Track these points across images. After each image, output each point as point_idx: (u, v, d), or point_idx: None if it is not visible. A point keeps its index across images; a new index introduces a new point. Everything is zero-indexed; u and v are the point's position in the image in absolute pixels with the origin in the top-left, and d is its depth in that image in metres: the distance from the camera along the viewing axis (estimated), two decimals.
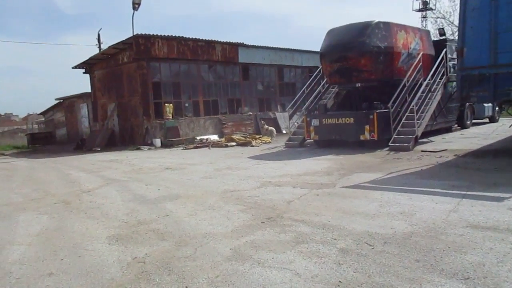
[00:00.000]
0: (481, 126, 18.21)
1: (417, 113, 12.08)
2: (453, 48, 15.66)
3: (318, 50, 24.99)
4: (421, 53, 13.85)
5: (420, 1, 40.18)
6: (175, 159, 13.07)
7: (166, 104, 18.46)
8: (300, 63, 24.26)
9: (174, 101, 19.10)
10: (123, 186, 8.61)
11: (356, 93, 14.36)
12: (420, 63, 13.53)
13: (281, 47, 23.05)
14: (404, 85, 12.83)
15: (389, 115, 12.40)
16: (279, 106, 23.59)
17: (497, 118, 20.22)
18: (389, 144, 11.99)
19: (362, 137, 12.31)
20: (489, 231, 4.41)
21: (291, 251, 4.22)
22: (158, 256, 4.30)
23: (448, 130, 16.07)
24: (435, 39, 16.65)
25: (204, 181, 8.64)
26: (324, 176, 8.41)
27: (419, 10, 40.38)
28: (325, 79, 15.81)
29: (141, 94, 18.36)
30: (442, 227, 4.66)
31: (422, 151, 11.29)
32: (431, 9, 40.00)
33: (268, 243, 4.51)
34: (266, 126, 19.08)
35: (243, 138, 17.17)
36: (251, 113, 21.72)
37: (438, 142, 13.17)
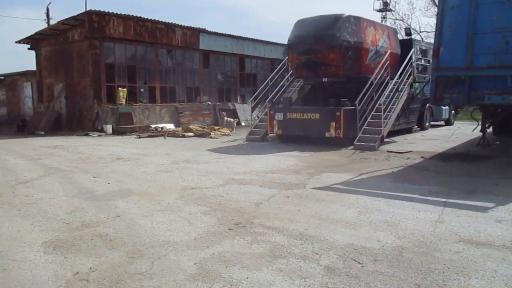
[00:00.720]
0: (439, 128, 18.42)
1: (384, 112, 11.79)
2: (418, 48, 15.68)
3: (281, 42, 24.55)
4: (388, 51, 13.60)
5: (381, 1, 40.67)
6: (128, 149, 12.05)
7: (119, 88, 17.21)
8: (263, 54, 23.61)
9: (129, 85, 17.87)
10: (67, 178, 7.60)
11: (322, 89, 13.93)
12: (388, 61, 13.28)
13: (243, 36, 22.29)
14: (371, 83, 12.50)
15: (356, 113, 12.04)
16: (239, 97, 22.86)
17: (452, 121, 20.60)
18: (355, 142, 11.63)
19: (327, 134, 11.88)
20: (485, 248, 3.98)
21: (268, 268, 3.57)
22: (106, 271, 3.51)
23: (409, 131, 16.05)
24: (401, 38, 16.51)
25: (160, 176, 7.81)
26: (292, 175, 7.84)
27: (380, 11, 40.88)
28: (290, 72, 15.28)
29: (93, 75, 16.99)
30: (433, 241, 4.18)
31: (388, 151, 11.02)
32: (391, 10, 40.63)
33: (239, 256, 3.83)
34: (226, 118, 18.31)
35: (201, 129, 16.32)
36: (210, 103, 20.84)
37: (401, 142, 13.01)
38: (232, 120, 18.40)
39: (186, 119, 19.30)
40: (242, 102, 22.98)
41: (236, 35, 21.91)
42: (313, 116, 12.14)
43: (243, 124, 21.18)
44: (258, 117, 23.10)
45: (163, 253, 3.90)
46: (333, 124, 11.72)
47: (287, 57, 16.46)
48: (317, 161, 9.49)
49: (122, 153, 11.01)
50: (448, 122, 20.26)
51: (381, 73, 12.95)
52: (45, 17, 28.94)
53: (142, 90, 18.68)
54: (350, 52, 12.39)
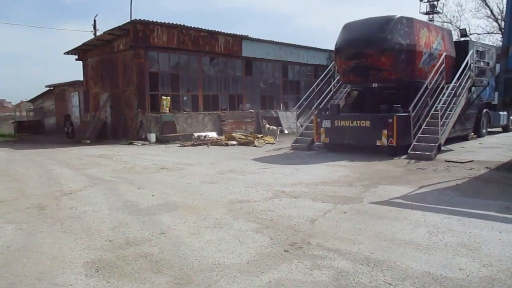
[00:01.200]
0: (496, 135, 17.15)
1: (441, 119, 10.96)
2: (475, 50, 14.66)
3: (324, 48, 23.96)
4: (444, 54, 12.72)
5: (427, 3, 39.10)
6: (171, 158, 11.86)
7: (163, 97, 17.22)
8: (306, 60, 23.09)
9: (172, 94, 17.86)
10: (111, 189, 7.39)
11: (370, 95, 13.22)
12: (443, 65, 12.42)
13: (286, 42, 21.88)
14: (426, 88, 11.70)
15: (410, 120, 11.27)
16: (282, 105, 22.41)
17: (511, 127, 19.19)
18: (409, 151, 10.87)
19: (378, 143, 11.18)
20: None
21: None
22: None
23: (465, 138, 14.97)
24: (456, 40, 15.50)
25: (206, 187, 7.45)
26: (345, 187, 7.26)
27: (427, 13, 39.24)
28: (337, 78, 14.68)
29: (137, 84, 17.09)
30: None
31: (446, 161, 10.19)
32: (438, 12, 38.96)
33: (300, 285, 3.35)
34: (268, 125, 17.89)
35: (244, 137, 15.98)
36: (252, 110, 20.52)
37: (459, 151, 12.07)
38: (275, 128, 17.95)
39: (228, 127, 19.05)
40: (285, 109, 22.52)
41: (279, 41, 21.54)
42: (363, 123, 11.48)
43: (286, 132, 20.69)
44: (302, 125, 22.69)
45: (213, 279, 3.48)
46: (385, 132, 11.02)
47: (333, 63, 15.91)
48: (370, 172, 8.85)
49: (166, 162, 10.81)
50: (506, 129, 18.87)
51: (436, 77, 12.12)
52: (92, 29, 29.79)
53: (185, 98, 18.63)
54: (403, 55, 11.66)
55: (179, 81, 18.15)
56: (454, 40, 14.94)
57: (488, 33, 38.39)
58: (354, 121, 11.66)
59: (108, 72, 18.94)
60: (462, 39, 15.12)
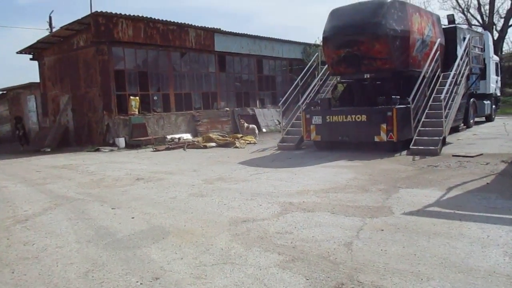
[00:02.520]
0: (483, 125, 16.66)
1: (445, 110, 10.08)
2: (462, 37, 13.96)
3: (297, 40, 22.94)
4: (437, 41, 11.88)
5: None
6: (146, 165, 10.42)
7: (131, 97, 15.63)
8: (281, 54, 21.96)
9: (141, 93, 16.28)
10: (78, 211, 5.96)
11: (360, 87, 12.24)
12: (438, 52, 11.57)
13: (260, 35, 20.68)
14: (424, 77, 10.80)
15: (410, 112, 10.33)
16: (258, 102, 21.21)
17: (493, 116, 18.79)
18: (411, 147, 9.93)
19: (377, 138, 10.18)
20: None
21: None
22: None
23: (456, 129, 14.26)
24: (444, 26, 14.75)
25: (195, 202, 6.15)
26: (362, 194, 6.15)
27: None
28: (322, 70, 13.63)
29: (101, 84, 15.44)
30: None
31: (454, 155, 9.31)
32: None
33: None
34: (247, 124, 16.64)
35: (223, 138, 14.68)
36: (228, 109, 19.21)
37: (458, 143, 11.28)
38: (254, 126, 16.74)
39: (203, 127, 17.68)
40: (261, 106, 21.34)
41: (253, 34, 20.32)
42: (358, 118, 10.44)
43: (264, 130, 19.54)
44: (279, 121, 21.56)
45: None
46: (384, 126, 10.02)
47: (316, 54, 14.87)
48: (378, 173, 7.79)
49: (141, 171, 9.38)
50: (489, 118, 18.43)
51: (432, 65, 11.24)
52: (47, 26, 27.48)
53: (155, 98, 17.08)
54: (397, 42, 10.70)
55: (148, 79, 16.59)
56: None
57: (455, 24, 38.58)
58: (349, 116, 10.60)
59: (67, 71, 17.12)
60: (450, 25, 14.34)
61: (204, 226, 4.89)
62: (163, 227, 4.92)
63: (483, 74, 15.52)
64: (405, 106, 10.21)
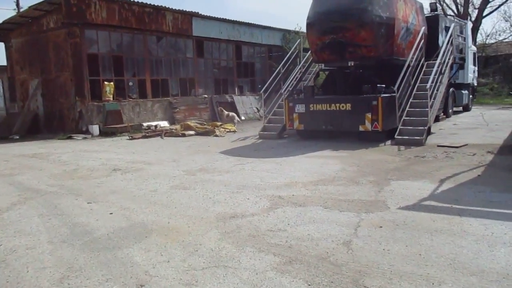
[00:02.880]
0: (461, 115, 16.79)
1: (430, 99, 9.95)
2: (444, 26, 13.91)
3: (278, 27, 22.52)
4: (422, 29, 11.73)
5: None
6: (123, 154, 9.92)
7: (105, 83, 14.93)
8: (260, 40, 21.49)
9: (115, 79, 15.58)
10: (51, 205, 5.49)
11: (342, 75, 12.02)
12: (423, 41, 11.43)
13: (239, 20, 20.15)
14: (408, 66, 10.63)
15: (395, 101, 10.17)
16: (236, 89, 20.75)
17: (470, 106, 18.97)
18: (395, 136, 9.80)
19: (361, 128, 9.99)
20: None
21: None
22: None
23: (436, 119, 14.24)
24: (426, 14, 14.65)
25: (178, 195, 5.77)
26: (353, 186, 5.92)
27: None
28: (305, 57, 13.33)
29: (73, 69, 14.67)
30: None
31: (439, 146, 9.23)
32: None
33: None
34: (227, 112, 16.22)
35: (202, 126, 14.24)
36: (206, 96, 18.69)
37: (440, 133, 11.24)
38: (234, 114, 16.35)
39: (181, 115, 17.15)
40: (240, 93, 20.91)
41: (232, 19, 19.75)
42: (343, 107, 10.21)
43: (243, 118, 19.15)
44: (258, 109, 21.21)
45: None
46: (369, 115, 9.83)
47: (298, 41, 14.53)
48: (365, 164, 7.59)
49: (117, 161, 8.89)
50: (466, 108, 18.58)
51: (417, 54, 11.09)
52: (15, 6, 26.06)
53: (130, 83, 16.41)
54: (383, 29, 10.47)
55: (123, 64, 15.87)
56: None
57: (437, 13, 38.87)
58: (333, 105, 10.36)
59: (37, 55, 16.20)
60: (432, 13, 14.23)
61: (190, 223, 4.53)
62: (145, 224, 4.54)
63: (462, 64, 15.55)
64: (390, 95, 10.04)
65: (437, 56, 12.44)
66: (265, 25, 21.58)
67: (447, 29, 14.01)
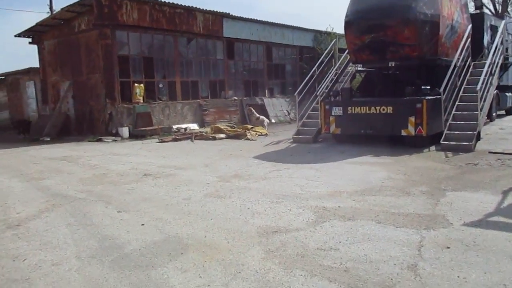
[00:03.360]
0: (505, 119, 15.78)
1: (480, 101, 9.25)
2: (489, 24, 13.09)
3: (307, 27, 21.97)
4: (468, 27, 10.99)
5: None
6: (153, 158, 9.61)
7: (135, 84, 14.77)
8: (291, 41, 21.02)
9: (146, 80, 15.42)
10: (79, 214, 5.17)
11: (382, 76, 11.40)
12: (469, 39, 10.69)
13: (270, 21, 19.73)
14: (455, 67, 9.94)
15: (441, 104, 9.50)
16: (267, 91, 20.33)
17: None
18: (441, 142, 9.11)
19: (404, 132, 9.35)
20: None
21: None
22: None
23: None
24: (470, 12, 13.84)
25: (214, 205, 5.35)
26: (404, 197, 5.36)
27: None
28: (341, 58, 12.76)
29: (104, 70, 14.60)
30: None
31: (491, 152, 8.48)
32: None
33: None
34: (257, 115, 15.79)
35: (233, 129, 13.86)
36: (236, 98, 18.35)
37: (487, 139, 10.42)
38: (264, 118, 15.90)
39: (211, 117, 16.85)
40: (270, 96, 20.47)
41: (262, 20, 19.36)
42: (384, 109, 9.60)
43: (273, 121, 18.70)
44: (288, 112, 20.72)
45: None
46: (413, 119, 9.19)
47: (334, 41, 13.95)
48: (413, 171, 6.98)
49: (147, 165, 8.58)
50: (510, 111, 17.51)
51: (463, 54, 10.37)
52: (48, 9, 26.45)
53: (161, 85, 16.22)
54: (427, 27, 9.81)
55: (153, 65, 15.71)
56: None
57: (482, 11, 37.56)
58: (373, 107, 9.76)
59: (68, 56, 16.25)
60: (476, 11, 13.42)
61: (229, 238, 4.09)
62: (179, 238, 4.13)
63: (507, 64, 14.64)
64: (435, 97, 9.37)
65: (482, 57, 11.67)
66: (296, 25, 21.06)
67: (492, 28, 13.20)
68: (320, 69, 12.87)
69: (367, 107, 9.86)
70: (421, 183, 6.14)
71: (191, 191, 6.15)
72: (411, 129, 9.24)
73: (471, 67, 10.74)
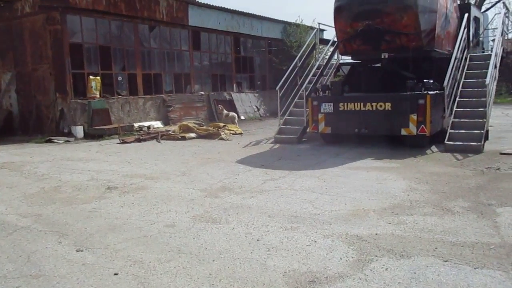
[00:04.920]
0: None
1: (488, 96, 8.42)
2: (473, 16, 12.42)
3: (278, 18, 20.78)
4: (465, 16, 10.17)
5: None
6: (117, 164, 8.03)
7: (91, 77, 12.93)
8: (260, 33, 19.70)
9: (102, 73, 13.58)
10: (20, 256, 3.65)
11: (369, 70, 10.41)
12: (465, 30, 9.87)
13: (238, 10, 18.29)
14: (455, 59, 9.07)
15: (443, 100, 8.60)
16: (235, 85, 18.93)
17: None
18: (446, 142, 8.22)
19: (404, 131, 8.37)
20: None
21: None
22: None
23: None
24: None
25: (209, 234, 4.01)
26: (449, 217, 4.34)
27: None
28: (325, 49, 11.65)
29: (53, 60, 12.67)
30: None
31: (503, 153, 7.64)
32: None
33: None
34: (226, 112, 14.38)
35: (204, 128, 12.41)
36: (203, 93, 16.84)
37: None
38: (235, 114, 14.57)
39: (176, 114, 15.28)
40: (239, 90, 19.12)
41: (231, 8, 17.90)
42: (381, 106, 8.57)
43: (242, 117, 17.38)
44: (258, 107, 19.44)
45: None
46: (414, 117, 8.21)
47: (316, 30, 12.76)
48: (435, 180, 5.96)
49: (110, 174, 7.03)
50: None
51: (462, 45, 9.53)
52: None
53: (120, 78, 14.43)
54: (427, 15, 8.84)
55: (111, 56, 13.87)
56: None
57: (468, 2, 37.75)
58: (368, 104, 8.70)
59: (9, 44, 14.08)
60: (464, 3, 12.72)
61: None
62: None
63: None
64: (436, 92, 8.45)
65: (469, 49, 10.92)
66: (265, 16, 19.79)
67: (475, 19, 12.55)
68: (301, 62, 11.66)
69: (362, 104, 8.78)
70: (455, 196, 5.08)
71: (173, 212, 4.76)
72: (413, 128, 8.27)
73: (468, 59, 9.93)
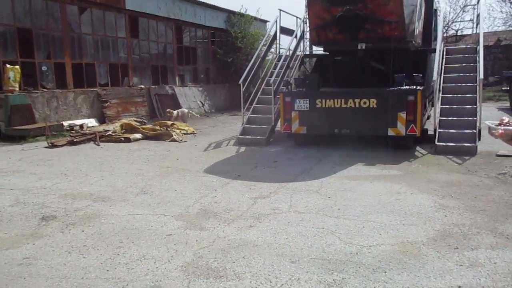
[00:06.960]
0: None
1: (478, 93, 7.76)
2: (433, 8, 11.99)
3: (222, 6, 19.29)
4: (435, 9, 9.56)
5: None
6: (48, 178, 6.20)
7: (7, 66, 10.59)
8: (203, 21, 18.06)
9: (22, 61, 11.24)
10: None
11: (336, 62, 9.46)
12: (442, 22, 9.22)
13: None
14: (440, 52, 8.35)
15: (425, 96, 7.83)
16: (177, 78, 17.16)
17: None
18: (436, 143, 7.43)
19: (392, 131, 7.48)
20: None
21: None
22: None
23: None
24: None
25: None
26: (505, 252, 3.26)
27: None
28: (292, 40, 10.47)
29: None
30: None
31: (499, 155, 6.99)
32: None
33: None
34: (176, 112, 12.54)
35: (150, 127, 10.68)
36: (142, 86, 14.94)
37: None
38: (185, 110, 12.97)
39: (113, 110, 13.30)
40: (182, 84, 17.42)
41: None
42: (365, 103, 7.59)
43: (194, 114, 15.70)
44: (202, 103, 17.88)
45: None
46: (403, 115, 7.32)
47: (276, 17, 11.48)
48: (459, 193, 5.06)
49: (43, 194, 5.27)
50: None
51: (440, 37, 8.85)
52: None
53: (44, 68, 12.12)
54: (409, 3, 8.02)
55: (33, 41, 11.55)
56: None
57: None
58: (350, 100, 7.67)
59: None
60: None
61: None
62: None
63: None
64: (423, 88, 7.64)
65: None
66: (209, 3, 18.21)
67: (435, 12, 12.12)
68: (264, 52, 10.39)
69: (343, 100, 7.73)
70: (501, 215, 4.14)
71: (149, 260, 3.28)
72: (401, 128, 7.38)
73: (444, 52, 9.29)
